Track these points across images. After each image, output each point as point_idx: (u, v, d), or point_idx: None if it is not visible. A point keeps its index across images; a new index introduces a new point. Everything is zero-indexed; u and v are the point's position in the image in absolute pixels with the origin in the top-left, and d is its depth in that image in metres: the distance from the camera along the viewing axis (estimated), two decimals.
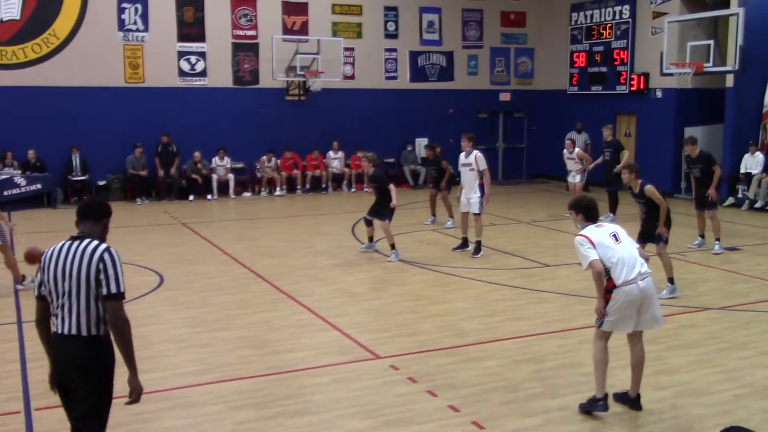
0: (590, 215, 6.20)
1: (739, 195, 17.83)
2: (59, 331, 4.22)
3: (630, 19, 20.82)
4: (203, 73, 20.09)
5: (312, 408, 6.24)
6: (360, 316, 8.94)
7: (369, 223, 12.43)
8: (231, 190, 19.69)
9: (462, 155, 12.63)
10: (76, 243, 4.26)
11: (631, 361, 6.23)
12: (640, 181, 9.73)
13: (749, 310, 9.17)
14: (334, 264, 11.81)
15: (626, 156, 15.52)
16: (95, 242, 4.27)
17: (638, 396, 6.19)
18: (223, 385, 6.68)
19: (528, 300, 9.62)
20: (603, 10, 21.71)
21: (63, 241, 4.33)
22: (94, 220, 4.42)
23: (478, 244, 12.32)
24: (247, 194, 20.10)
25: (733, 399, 6.38)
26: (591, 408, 6.05)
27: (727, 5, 17.54)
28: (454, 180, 14.51)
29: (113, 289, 4.18)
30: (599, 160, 16.37)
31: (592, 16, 22.11)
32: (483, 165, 12.38)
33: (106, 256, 4.21)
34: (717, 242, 12.52)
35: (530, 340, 7.99)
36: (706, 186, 12.44)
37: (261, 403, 6.27)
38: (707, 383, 6.74)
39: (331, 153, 21.05)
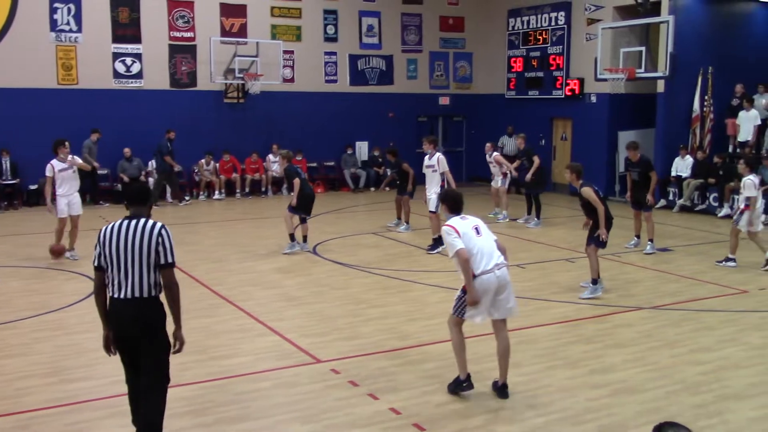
0: (454, 207, 6.69)
1: (671, 197, 18.36)
2: (121, 296, 5.00)
3: (565, 26, 21.26)
4: (139, 75, 19.72)
5: (252, 414, 6.16)
6: (300, 320, 8.89)
7: (303, 221, 12.89)
8: (168, 194, 19.35)
9: (426, 157, 13.29)
10: (133, 222, 5.08)
11: (497, 351, 6.57)
12: (581, 182, 9.87)
13: (680, 309, 9.44)
14: (274, 268, 11.71)
15: (537, 163, 16.05)
16: (151, 221, 5.12)
17: (505, 384, 6.52)
18: None
19: None
20: (539, 16, 22.11)
21: (118, 221, 5.14)
22: (141, 202, 5.25)
23: (434, 241, 12.76)
24: (186, 198, 19.79)
25: (665, 396, 6.55)
26: (457, 389, 6.52)
27: (658, 13, 18.04)
28: (416, 181, 14.72)
29: (169, 259, 5.07)
30: (516, 164, 16.83)
31: (528, 21, 22.49)
32: (444, 167, 12.99)
33: (164, 232, 5.09)
34: (650, 243, 12.89)
35: (469, 341, 8.01)
36: (643, 189, 12.84)
37: (199, 410, 6.17)
38: (641, 381, 6.90)
39: (270, 156, 20.88)
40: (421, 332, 8.40)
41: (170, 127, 19.52)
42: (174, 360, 7.33)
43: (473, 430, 5.88)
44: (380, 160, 22.30)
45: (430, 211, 12.90)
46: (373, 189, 21.87)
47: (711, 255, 12.48)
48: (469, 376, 6.53)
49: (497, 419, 6.05)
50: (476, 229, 6.50)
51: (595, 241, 9.86)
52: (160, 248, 5.03)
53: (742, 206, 11.83)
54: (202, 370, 7.13)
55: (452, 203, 6.72)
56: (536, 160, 16.09)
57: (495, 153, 16.69)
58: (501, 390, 6.52)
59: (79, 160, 12.51)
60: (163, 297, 5.13)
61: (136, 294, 4.98)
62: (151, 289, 5.03)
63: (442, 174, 12.98)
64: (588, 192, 9.70)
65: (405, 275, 11.20)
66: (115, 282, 5.03)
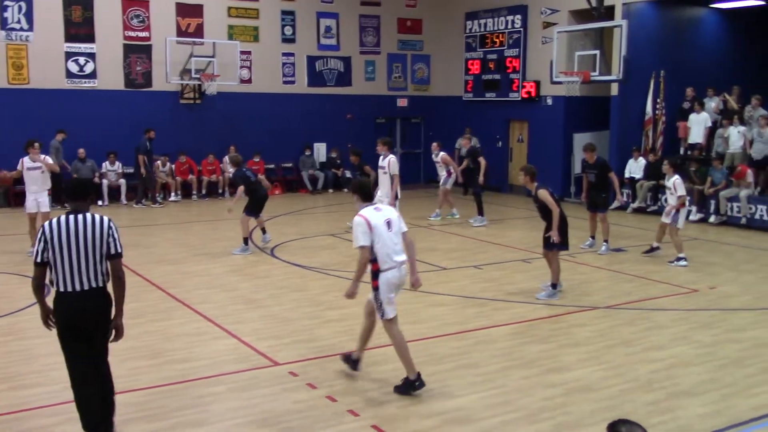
0: (366, 196, 6.79)
1: (624, 198, 18.67)
2: (71, 289, 5.16)
3: (522, 29, 21.49)
4: (93, 75, 19.40)
5: (209, 418, 6.11)
6: (258, 323, 8.83)
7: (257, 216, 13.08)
8: (123, 196, 19.07)
9: (380, 159, 13.46)
10: (79, 216, 5.22)
11: (395, 349, 6.65)
12: (535, 184, 9.93)
13: (633, 308, 9.61)
14: (232, 270, 11.62)
15: (484, 163, 16.39)
16: (96, 214, 5.30)
17: (418, 374, 6.54)
18: None
19: (425, 303, 9.74)
20: (496, 19, 22.32)
21: (62, 216, 5.24)
22: (82, 197, 5.39)
23: None
24: (157, 200, 19.56)
25: (619, 394, 6.66)
26: (410, 389, 6.51)
27: (611, 17, 18.34)
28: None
29: (119, 249, 5.30)
30: (463, 165, 17.07)
31: (485, 24, 22.69)
32: (395, 170, 13.14)
33: (112, 224, 5.33)
34: (605, 243, 13.10)
35: (427, 342, 8.10)
36: (599, 190, 13.07)
37: (154, 415, 6.09)
38: (596, 379, 7.01)
39: (227, 158, 20.66)
40: (380, 334, 8.37)
41: (125, 128, 19.28)
42: (128, 365, 7.26)
43: (431, 430, 5.91)
44: (338, 161, 22.28)
45: None
46: (346, 190, 21.83)
47: (663, 255, 12.72)
48: (419, 375, 6.56)
49: (455, 419, 6.08)
50: (388, 222, 6.55)
51: (558, 245, 9.91)
52: (111, 239, 5.25)
53: (674, 204, 12.15)
54: (158, 374, 7.04)
55: (364, 193, 6.79)
56: (482, 161, 16.34)
57: (442, 153, 16.84)
58: (416, 381, 6.53)
59: (50, 161, 12.76)
60: (109, 287, 5.36)
61: (93, 284, 5.20)
62: (101, 280, 5.27)
63: (393, 176, 13.05)
64: (544, 194, 9.80)
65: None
66: (65, 276, 5.16)
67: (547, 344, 8.07)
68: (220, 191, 20.56)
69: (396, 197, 13.11)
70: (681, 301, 9.98)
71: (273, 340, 8.10)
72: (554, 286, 10.06)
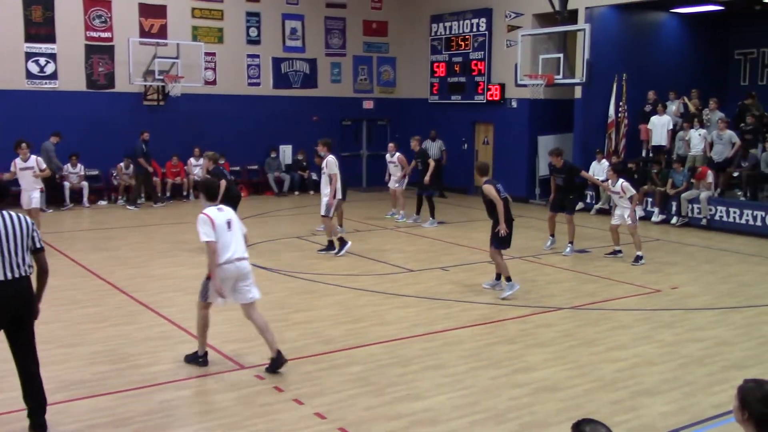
0: (211, 196, 7.38)
1: (588, 200, 18.90)
2: (2, 278, 5.57)
3: (486, 32, 21.64)
4: (54, 76, 19.08)
5: (174, 422, 6.05)
6: (223, 326, 8.74)
7: None
8: (85, 199, 18.80)
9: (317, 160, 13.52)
10: (5, 212, 5.71)
11: (258, 331, 7.26)
12: (484, 179, 10.30)
13: (598, 308, 9.73)
14: (196, 273, 11.47)
15: (432, 165, 16.58)
16: (17, 213, 5.80)
17: (278, 352, 7.13)
18: (76, 403, 6.35)
19: (392, 305, 9.75)
20: (461, 22, 22.44)
21: None
22: (2, 198, 5.88)
23: (329, 243, 13.04)
24: (102, 202, 19.28)
25: (584, 393, 6.74)
26: (193, 361, 7.30)
27: (574, 21, 18.54)
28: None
29: (41, 245, 5.83)
30: (412, 164, 17.14)
31: (451, 27, 22.80)
32: (332, 170, 12.92)
33: (32, 221, 5.86)
34: (569, 245, 13.25)
35: (395, 344, 8.11)
36: (567, 193, 13.26)
37: (119, 421, 6.01)
38: (561, 379, 7.08)
39: (192, 160, 20.46)
40: (347, 336, 8.40)
41: (87, 129, 19.03)
42: (92, 369, 7.16)
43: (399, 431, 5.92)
44: (304, 164, 22.21)
45: (322, 215, 13.07)
46: (312, 193, 21.72)
47: (627, 256, 12.89)
48: (206, 354, 7.31)
49: (423, 421, 6.10)
50: (228, 222, 7.14)
51: (496, 240, 10.17)
52: (34, 234, 5.78)
53: (631, 206, 12.49)
54: (122, 379, 6.95)
55: (209, 193, 7.42)
56: (431, 162, 16.59)
57: (398, 153, 16.91)
58: (278, 359, 7.11)
59: (43, 165, 13.64)
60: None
61: (17, 274, 5.64)
62: (28, 269, 5.76)
63: (331, 176, 12.92)
64: (488, 189, 10.06)
65: (329, 279, 11.18)
66: (3, 266, 5.61)
67: (514, 345, 8.13)
68: (185, 193, 20.35)
69: (335, 196, 12.90)
70: (644, 301, 10.13)
71: (239, 344, 8.04)
72: (508, 279, 10.20)
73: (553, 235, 13.77)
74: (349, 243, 12.98)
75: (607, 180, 17.22)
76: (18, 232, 5.68)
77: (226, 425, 5.97)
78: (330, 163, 12.91)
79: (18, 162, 13.32)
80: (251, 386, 6.82)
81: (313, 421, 6.07)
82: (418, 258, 12.88)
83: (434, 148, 20.55)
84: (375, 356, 7.69)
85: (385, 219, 17.02)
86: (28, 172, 13.22)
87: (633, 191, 12.61)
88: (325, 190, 12.91)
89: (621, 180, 12.66)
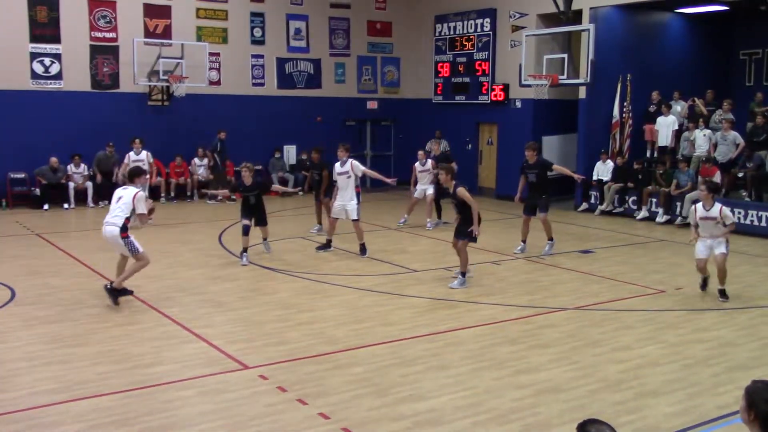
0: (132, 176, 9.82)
1: (592, 200, 18.87)
2: None
3: (491, 32, 21.62)
4: (58, 76, 19.12)
5: (178, 422, 6.04)
6: (227, 326, 8.77)
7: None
8: (89, 199, 18.82)
9: (337, 164, 13.18)
10: None
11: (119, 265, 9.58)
12: (454, 182, 10.50)
13: (602, 309, 9.71)
14: (200, 273, 11.52)
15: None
16: None
17: (113, 287, 9.47)
18: (80, 403, 6.36)
19: (396, 305, 9.75)
20: (465, 23, 22.43)
21: None
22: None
23: (362, 246, 12.97)
24: (105, 202, 19.29)
25: (588, 394, 6.72)
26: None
27: (579, 21, 18.52)
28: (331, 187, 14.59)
29: None
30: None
31: (455, 27, 22.78)
32: (359, 169, 13.15)
33: None
34: (549, 242, 13.07)
35: (398, 344, 8.10)
36: (540, 191, 12.93)
37: (122, 420, 6.01)
38: (565, 380, 7.07)
39: (196, 160, 20.53)
40: (350, 336, 8.40)
41: (91, 129, 19.07)
42: (96, 369, 7.17)
43: None
44: (308, 164, 22.17)
45: (354, 220, 12.95)
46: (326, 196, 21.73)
47: (632, 256, 12.85)
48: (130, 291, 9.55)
49: (426, 421, 6.09)
50: (119, 197, 9.51)
51: (468, 236, 10.59)
52: None
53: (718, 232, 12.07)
54: (125, 379, 6.96)
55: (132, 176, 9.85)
56: (454, 165, 16.15)
57: (430, 159, 16.39)
58: (115, 292, 9.44)
59: (151, 159, 17.70)
60: None
61: None
62: None
63: (358, 177, 13.09)
64: (462, 192, 10.44)
65: (333, 279, 11.18)
66: None
67: (517, 345, 8.12)
68: (188, 194, 20.38)
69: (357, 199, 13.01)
70: (648, 302, 10.10)
71: (243, 344, 8.04)
72: (463, 274, 10.71)
73: (524, 241, 13.26)
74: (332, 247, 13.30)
75: (607, 183, 17.17)
76: None
77: (229, 425, 5.97)
78: (356, 165, 13.12)
79: (131, 155, 17.23)
80: (255, 386, 6.82)
81: (316, 421, 6.07)
82: (422, 258, 12.88)
83: (440, 148, 20.52)
84: (378, 357, 7.68)
85: (399, 225, 16.29)
86: (139, 164, 15.78)
87: (733, 218, 10.68)
88: (351, 194, 12.95)
89: (719, 205, 10.19)
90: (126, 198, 9.39)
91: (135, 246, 9.48)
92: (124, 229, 9.36)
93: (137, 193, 9.47)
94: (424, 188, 16.18)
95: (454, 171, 10.90)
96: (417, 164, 16.42)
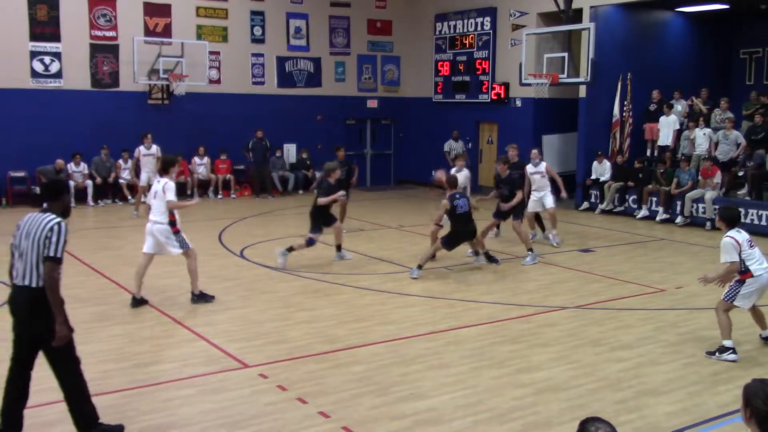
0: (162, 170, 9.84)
1: (592, 199, 18.87)
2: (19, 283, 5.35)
3: (491, 31, 21.61)
4: (58, 75, 19.12)
5: (178, 421, 6.05)
6: (227, 325, 8.77)
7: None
8: (89, 198, 18.82)
9: (530, 165, 13.81)
10: (39, 214, 5.35)
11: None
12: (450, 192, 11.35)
13: (602, 308, 9.71)
14: (201, 272, 11.48)
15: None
16: (51, 215, 5.32)
17: (199, 289, 9.62)
18: None
19: (396, 304, 9.75)
20: (465, 21, 22.42)
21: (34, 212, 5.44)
22: (52, 197, 5.48)
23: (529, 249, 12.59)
24: (107, 201, 19.29)
25: (588, 393, 6.72)
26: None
27: (579, 20, 18.50)
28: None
29: (51, 253, 5.19)
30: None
31: (455, 26, 22.77)
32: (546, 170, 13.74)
33: (56, 226, 5.22)
34: (529, 253, 12.42)
35: (398, 343, 8.11)
36: (507, 202, 12.49)
37: (122, 419, 6.01)
38: (565, 379, 7.07)
39: (196, 159, 20.53)
40: (350, 335, 8.40)
41: (91, 128, 19.07)
42: (97, 368, 7.17)
43: (402, 431, 5.90)
44: (308, 162, 22.21)
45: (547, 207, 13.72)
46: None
47: (632, 255, 12.85)
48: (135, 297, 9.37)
49: (426, 420, 6.09)
50: (154, 192, 9.52)
51: (446, 239, 11.36)
52: (47, 241, 5.22)
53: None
54: (126, 377, 6.96)
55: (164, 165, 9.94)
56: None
57: (545, 162, 13.94)
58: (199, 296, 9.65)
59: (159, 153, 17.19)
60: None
61: (29, 283, 5.30)
62: (38, 281, 5.29)
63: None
64: (445, 204, 11.28)
65: (333, 278, 11.18)
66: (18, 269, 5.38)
67: (517, 344, 8.12)
68: (189, 193, 20.35)
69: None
70: (648, 301, 10.10)
71: (243, 342, 8.05)
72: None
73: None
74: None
75: (607, 182, 17.16)
76: (32, 236, 5.25)
77: (230, 424, 5.97)
78: (550, 167, 13.94)
79: (141, 149, 17.56)
80: (255, 385, 6.82)
81: (316, 420, 6.07)
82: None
83: (458, 148, 20.69)
84: (379, 355, 7.68)
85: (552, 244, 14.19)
86: (150, 158, 17.11)
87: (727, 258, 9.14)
88: (544, 190, 13.70)
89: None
90: (159, 192, 9.37)
91: (185, 242, 9.51)
92: (172, 224, 9.38)
93: (166, 183, 9.40)
94: (540, 195, 13.61)
95: (456, 182, 11.74)
96: (529, 166, 13.71)
